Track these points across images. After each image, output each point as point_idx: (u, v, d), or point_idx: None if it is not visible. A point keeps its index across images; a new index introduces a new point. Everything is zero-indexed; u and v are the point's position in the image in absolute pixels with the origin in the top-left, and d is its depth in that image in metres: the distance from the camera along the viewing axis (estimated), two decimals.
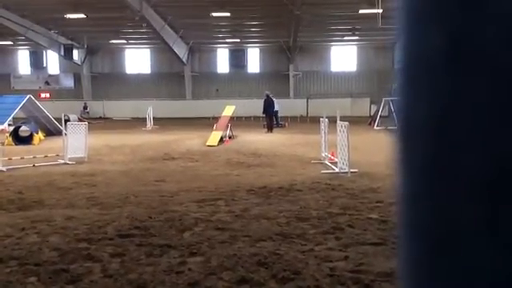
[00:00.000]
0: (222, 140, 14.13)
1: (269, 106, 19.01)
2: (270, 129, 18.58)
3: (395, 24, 0.36)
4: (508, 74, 0.30)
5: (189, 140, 14.95)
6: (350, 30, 29.20)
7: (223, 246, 4.06)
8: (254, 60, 35.49)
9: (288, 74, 34.28)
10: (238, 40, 32.90)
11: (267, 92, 20.04)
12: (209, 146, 13.20)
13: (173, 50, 31.20)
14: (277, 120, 20.42)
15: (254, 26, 29.31)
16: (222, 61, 35.81)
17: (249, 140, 15.06)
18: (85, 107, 33.54)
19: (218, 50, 35.61)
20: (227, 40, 33.16)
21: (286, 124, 20.17)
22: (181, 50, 32.69)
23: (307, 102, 32.57)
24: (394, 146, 0.36)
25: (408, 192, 0.36)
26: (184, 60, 33.72)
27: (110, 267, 3.56)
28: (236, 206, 5.62)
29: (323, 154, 9.74)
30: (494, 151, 0.30)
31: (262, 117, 19.49)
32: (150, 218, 5.08)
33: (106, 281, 3.30)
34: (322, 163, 9.40)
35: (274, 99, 19.49)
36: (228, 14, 25.47)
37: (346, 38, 31.94)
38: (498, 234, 0.30)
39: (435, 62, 0.33)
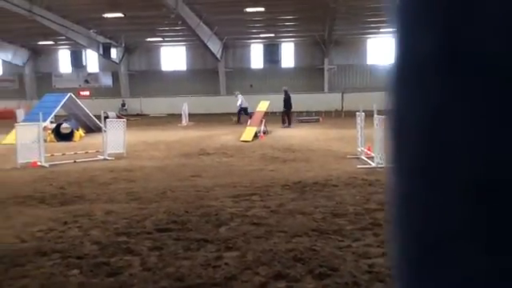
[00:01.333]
0: (256, 135, 14.14)
1: (287, 101, 19.30)
2: (289, 123, 18.89)
3: (390, 25, 0.36)
4: (501, 76, 0.29)
5: (223, 135, 15.06)
6: (386, 21, 28.54)
7: (259, 241, 4.05)
8: (288, 54, 35.30)
9: (323, 68, 33.90)
10: (272, 35, 32.79)
11: (285, 88, 20.24)
12: (243, 141, 13.25)
13: (207, 46, 31.46)
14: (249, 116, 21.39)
15: (288, 20, 29.11)
16: (256, 56, 35.80)
17: (283, 135, 15.01)
18: (123, 104, 34.36)
19: (252, 45, 35.62)
20: (261, 35, 33.12)
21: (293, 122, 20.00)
22: (215, 47, 32.92)
23: (342, 96, 32.13)
24: (387, 146, 0.36)
25: (400, 192, 0.35)
26: (218, 56, 33.94)
27: (149, 261, 3.63)
28: (271, 201, 5.61)
29: (359, 149, 9.58)
30: (486, 153, 0.30)
31: (282, 112, 19.77)
32: (187, 212, 5.14)
33: (145, 274, 3.36)
34: (358, 158, 9.26)
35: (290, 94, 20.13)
36: (262, 9, 25.42)
37: (382, 30, 31.25)
38: (489, 235, 0.30)
39: (428, 63, 0.33)
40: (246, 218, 4.87)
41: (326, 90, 33.47)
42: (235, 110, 22.42)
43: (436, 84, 0.32)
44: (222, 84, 35.32)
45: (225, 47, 34.59)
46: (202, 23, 28.33)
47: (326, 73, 33.81)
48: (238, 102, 21.60)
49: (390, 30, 0.36)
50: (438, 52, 0.32)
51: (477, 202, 0.31)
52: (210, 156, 10.40)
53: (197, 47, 33.52)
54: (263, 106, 16.26)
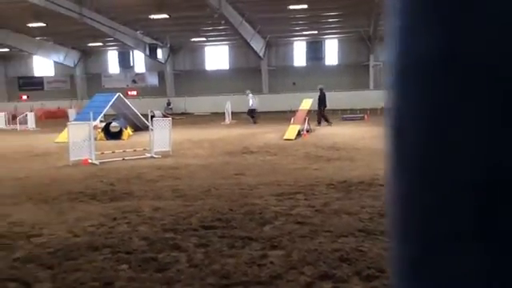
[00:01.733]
0: (299, 133, 14.05)
1: (322, 99, 19.02)
2: (319, 122, 18.64)
3: (388, 26, 0.36)
4: (501, 77, 0.29)
5: (266, 134, 15.07)
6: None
7: (304, 240, 4.02)
8: (331, 51, 34.86)
9: (368, 65, 33.25)
10: (316, 32, 32.48)
11: (321, 86, 19.96)
12: (286, 139, 13.20)
13: (250, 45, 31.60)
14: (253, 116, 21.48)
15: (331, 16, 28.74)
16: (299, 54, 35.60)
17: (327, 133, 14.84)
18: (168, 103, 35.15)
19: (295, 42, 35.44)
20: (304, 32, 32.88)
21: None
22: (258, 45, 33.01)
23: None
24: (385, 146, 0.36)
25: (399, 192, 0.36)
26: (261, 55, 34.02)
27: (195, 257, 3.68)
28: (316, 201, 5.55)
29: None
30: (485, 153, 0.30)
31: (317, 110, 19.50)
32: (231, 210, 5.18)
33: (192, 270, 3.41)
34: None
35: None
36: (305, 6, 25.22)
37: None
38: (489, 235, 0.30)
39: (428, 63, 0.33)
40: (290, 216, 4.84)
41: (371, 87, 32.79)
42: (278, 108, 22.43)
43: (436, 84, 0.32)
44: (264, 82, 35.39)
45: (267, 45, 34.62)
46: (244, 22, 28.48)
47: (371, 69, 33.13)
48: (250, 102, 21.58)
49: (389, 29, 0.36)
50: (438, 52, 0.32)
51: (476, 202, 0.31)
52: (253, 154, 10.43)
53: (239, 46, 33.75)
54: (306, 104, 16.14)
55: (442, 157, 0.32)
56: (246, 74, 35.93)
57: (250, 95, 21.63)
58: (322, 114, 19.06)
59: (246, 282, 3.17)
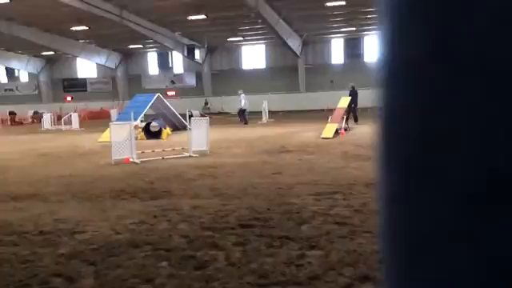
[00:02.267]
0: (337, 132, 13.88)
1: (353, 98, 18.54)
2: (355, 120, 18.35)
3: (379, 25, 0.36)
4: (493, 75, 0.29)
5: (304, 132, 14.97)
6: None
7: (343, 240, 3.96)
8: (371, 48, 34.24)
9: None
10: (354, 28, 32.00)
11: (352, 84, 19.53)
12: (324, 138, 13.07)
13: (287, 43, 31.52)
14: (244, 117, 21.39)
15: (370, 12, 28.21)
16: (337, 51, 35.17)
17: (365, 132, 14.58)
18: (206, 103, 35.59)
19: (333, 40, 35.05)
20: (342, 29, 32.46)
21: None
22: (294, 43, 32.88)
23: None
24: (375, 147, 0.36)
25: (389, 191, 0.35)
26: (298, 53, 33.87)
27: (233, 256, 3.69)
28: (354, 201, 5.46)
29: None
30: (477, 153, 0.30)
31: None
32: (269, 209, 5.17)
33: (230, 269, 3.42)
34: None
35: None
36: (343, 3, 24.90)
37: None
38: (479, 235, 0.30)
39: (418, 62, 0.32)
40: (328, 216, 4.78)
41: None
42: (315, 107, 22.27)
43: (427, 82, 0.32)
44: (301, 80, 35.19)
45: (304, 43, 34.41)
46: (281, 20, 28.42)
47: None
48: (242, 102, 21.41)
49: (381, 25, 0.36)
50: (430, 49, 0.32)
51: (467, 203, 0.30)
52: (290, 153, 10.39)
53: (276, 45, 33.72)
54: (344, 102, 15.92)
55: (430, 156, 0.32)
56: (282, 72, 35.86)
57: (242, 95, 21.63)
58: (353, 112, 18.68)
59: (284, 281, 3.15)
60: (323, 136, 13.30)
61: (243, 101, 21.58)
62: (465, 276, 0.31)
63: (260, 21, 26.93)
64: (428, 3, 0.32)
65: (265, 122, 22.27)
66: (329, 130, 13.73)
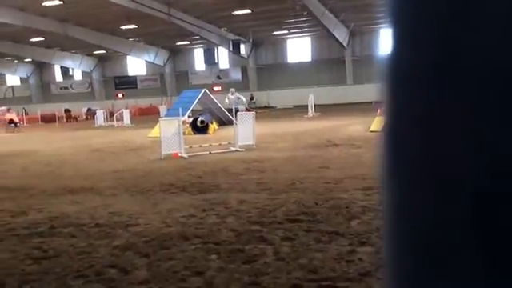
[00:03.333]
0: None
1: None
2: None
3: (386, 34, 0.36)
4: (497, 82, 0.30)
5: (351, 126, 14.71)
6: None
7: None
8: None
9: None
10: None
11: None
12: (372, 131, 12.78)
13: (333, 35, 31.00)
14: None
15: None
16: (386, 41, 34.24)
17: None
18: (251, 98, 35.72)
19: (381, 30, 34.10)
20: None
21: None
22: (341, 35, 32.29)
23: None
24: (379, 154, 0.36)
25: (393, 200, 0.35)
26: (344, 44, 33.24)
27: (282, 250, 3.69)
28: None
29: None
30: (482, 159, 0.30)
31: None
32: (316, 204, 5.12)
33: (279, 263, 3.42)
34: None
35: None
36: None
37: None
38: (487, 247, 0.30)
39: (425, 65, 0.32)
40: (379, 212, 4.66)
41: None
42: (364, 99, 21.80)
43: (432, 86, 0.32)
44: (348, 73, 34.55)
45: (351, 34, 33.71)
46: (327, 12, 27.97)
47: None
48: (226, 101, 19.39)
49: (387, 29, 0.36)
50: (435, 55, 0.32)
51: (475, 213, 0.30)
52: (337, 147, 10.24)
53: (322, 37, 33.27)
54: None
55: (436, 166, 0.32)
56: (328, 64, 35.35)
57: (234, 96, 19.77)
58: None
59: (334, 277, 3.11)
60: (372, 129, 13.00)
61: (227, 100, 19.44)
62: (473, 281, 0.31)
63: (305, 13, 26.63)
64: (435, 11, 0.32)
65: (310, 115, 22.08)
66: (378, 122, 13.40)
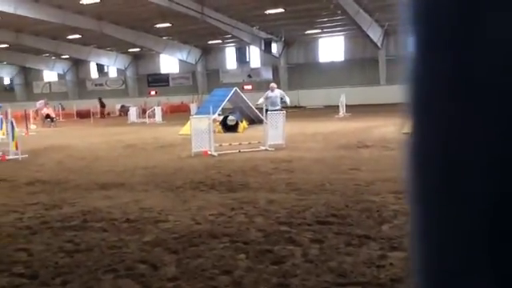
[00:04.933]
0: None
1: None
2: None
3: (404, 52, 0.37)
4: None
5: (383, 127, 14.44)
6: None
7: None
8: None
9: None
10: None
11: None
12: (406, 133, 12.49)
13: (367, 34, 30.54)
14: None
15: None
16: None
17: None
18: (281, 97, 35.60)
19: None
20: None
21: None
22: (375, 34, 31.76)
23: None
24: (404, 172, 0.36)
25: (420, 222, 0.36)
26: (378, 44, 32.68)
27: (311, 252, 3.64)
28: None
29: None
30: (500, 179, 0.30)
31: None
32: (347, 206, 5.04)
33: (308, 266, 3.38)
34: None
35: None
36: None
37: None
38: (500, 272, 0.31)
39: (443, 88, 0.33)
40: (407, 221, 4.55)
41: None
42: (397, 100, 21.30)
43: (451, 111, 0.32)
44: (381, 73, 33.95)
45: (386, 34, 33.10)
46: (361, 11, 27.57)
47: None
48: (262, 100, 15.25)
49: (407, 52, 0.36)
50: (454, 79, 0.32)
51: (490, 241, 0.30)
52: (368, 149, 10.07)
53: (355, 36, 32.82)
54: None
55: (458, 185, 0.32)
56: (361, 64, 34.84)
57: (277, 91, 16.29)
58: None
59: (364, 282, 3.04)
60: (404, 131, 12.70)
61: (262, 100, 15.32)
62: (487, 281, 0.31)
63: (339, 12, 26.33)
64: (452, 35, 0.32)
65: (341, 116, 21.82)
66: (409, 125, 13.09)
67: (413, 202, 0.37)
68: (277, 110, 13.50)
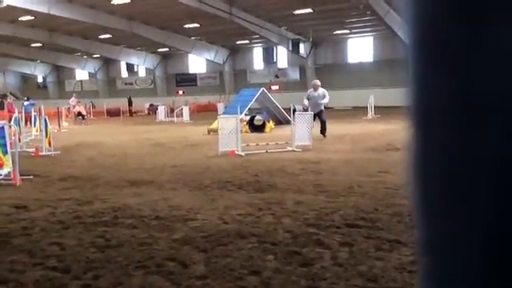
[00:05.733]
0: None
1: None
2: None
3: (405, 71, 0.38)
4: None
5: None
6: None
7: None
8: None
9: None
10: None
11: None
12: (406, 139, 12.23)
13: (397, 34, 30.05)
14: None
15: None
16: None
17: None
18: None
19: None
20: None
21: None
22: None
23: None
24: (409, 188, 0.37)
25: (427, 236, 0.36)
26: None
27: (340, 256, 3.60)
28: None
29: None
30: (507, 196, 0.31)
31: None
32: (376, 210, 4.96)
33: (337, 269, 3.34)
34: None
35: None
36: None
37: None
38: (499, 275, 0.31)
39: (445, 107, 0.33)
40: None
41: None
42: None
43: (454, 131, 0.33)
44: None
45: None
46: (391, 11, 27.14)
47: None
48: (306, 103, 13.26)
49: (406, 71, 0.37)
50: (456, 98, 0.32)
51: (489, 245, 0.31)
52: (398, 151, 9.89)
53: (385, 37, 32.36)
54: None
55: (463, 206, 0.33)
56: (391, 65, 34.24)
57: (321, 90, 13.26)
58: None
59: None
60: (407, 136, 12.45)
61: (306, 103, 13.34)
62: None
63: (369, 12, 26.02)
64: (452, 54, 0.32)
65: (370, 117, 21.55)
66: None
67: (416, 208, 0.37)
68: (321, 112, 12.87)
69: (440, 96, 0.33)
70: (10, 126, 8.75)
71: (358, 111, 25.06)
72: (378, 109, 22.63)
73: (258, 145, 10.83)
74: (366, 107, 22.70)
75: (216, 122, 12.48)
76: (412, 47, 0.37)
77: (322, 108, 13.18)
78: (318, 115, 12.82)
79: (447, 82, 0.33)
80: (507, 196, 0.31)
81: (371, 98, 22.68)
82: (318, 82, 13.72)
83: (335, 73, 36.60)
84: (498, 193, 0.31)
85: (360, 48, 36.31)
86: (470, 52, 0.31)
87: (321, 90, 13.27)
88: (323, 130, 13.06)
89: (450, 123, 0.33)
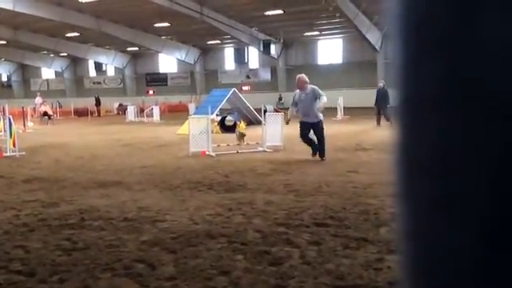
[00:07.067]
0: None
1: (382, 97, 16.50)
2: (378, 122, 16.40)
3: (392, 59, 0.36)
4: (503, 104, 0.30)
5: (381, 130, 14.48)
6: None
7: None
8: None
9: None
10: None
11: (382, 82, 17.84)
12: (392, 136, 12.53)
13: (366, 37, 30.62)
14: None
15: None
16: None
17: None
18: (280, 98, 35.63)
19: None
20: None
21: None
22: (374, 37, 31.83)
23: None
24: (394, 183, 0.36)
25: (410, 230, 0.36)
26: (377, 47, 32.76)
27: (308, 254, 3.65)
28: None
29: None
30: (498, 191, 0.30)
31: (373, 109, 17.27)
32: (344, 209, 5.05)
33: (305, 267, 3.39)
34: None
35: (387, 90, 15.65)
36: None
37: None
38: (493, 275, 0.30)
39: (433, 97, 0.33)
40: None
41: None
42: (394, 103, 21.35)
43: (442, 119, 0.32)
44: (380, 76, 34.03)
45: (385, 37, 33.20)
46: (360, 14, 27.64)
47: None
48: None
49: (394, 59, 0.36)
50: (444, 86, 0.32)
51: (483, 244, 0.31)
52: (366, 151, 10.10)
53: (354, 39, 32.89)
54: None
55: (452, 197, 0.32)
56: (359, 67, 34.92)
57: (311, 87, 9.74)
58: (383, 113, 16.38)
59: (362, 285, 3.06)
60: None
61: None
62: None
63: (338, 14, 26.39)
64: (441, 42, 0.32)
65: (339, 118, 21.86)
66: None
67: (401, 205, 0.36)
68: (317, 123, 8.93)
69: (430, 85, 0.32)
70: None
71: (328, 112, 25.34)
72: (347, 110, 22.98)
73: (228, 145, 10.83)
74: (336, 108, 23.00)
75: (185, 125, 12.39)
76: (400, 36, 0.35)
77: (320, 116, 9.11)
78: (312, 128, 9.02)
79: (438, 70, 0.32)
80: (502, 189, 0.30)
81: (340, 99, 23.02)
82: (305, 78, 9.56)
83: (305, 74, 36.61)
84: (492, 186, 0.30)
85: (329, 50, 36.80)
86: (461, 39, 0.31)
87: (310, 89, 9.34)
88: (322, 151, 9.06)
89: (441, 114, 0.32)
